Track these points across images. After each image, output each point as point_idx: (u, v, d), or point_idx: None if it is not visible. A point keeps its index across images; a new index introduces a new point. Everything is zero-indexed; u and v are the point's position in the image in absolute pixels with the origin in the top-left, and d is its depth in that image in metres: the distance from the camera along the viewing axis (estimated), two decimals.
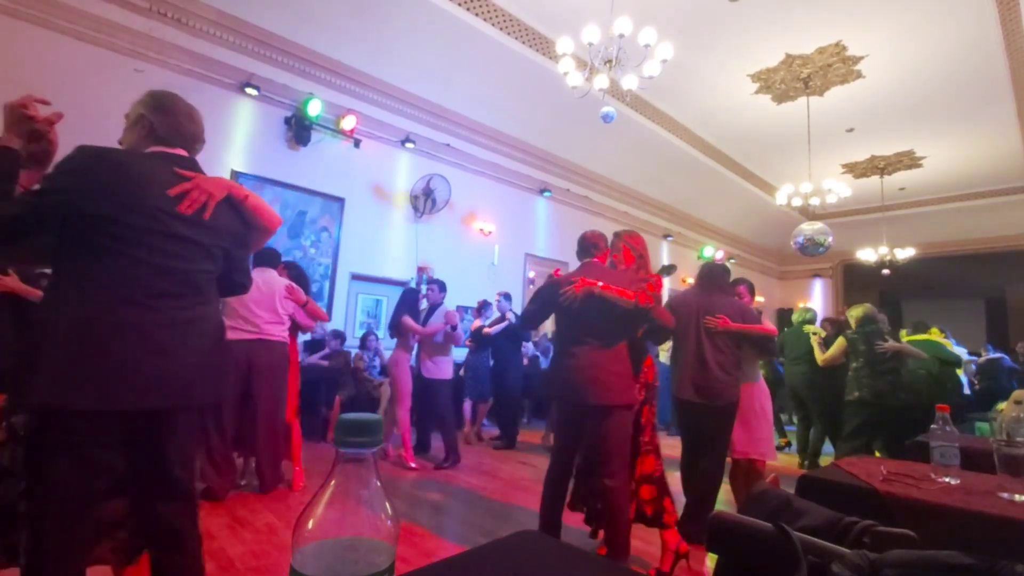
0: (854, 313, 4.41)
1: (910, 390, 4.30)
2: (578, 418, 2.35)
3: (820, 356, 4.72)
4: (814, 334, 5.06)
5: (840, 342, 4.41)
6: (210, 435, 3.10)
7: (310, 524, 0.41)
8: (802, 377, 5.24)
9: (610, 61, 4.16)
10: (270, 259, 3.51)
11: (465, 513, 3.26)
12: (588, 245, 2.60)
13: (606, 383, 2.28)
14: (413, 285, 6.34)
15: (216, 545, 2.48)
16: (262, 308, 3.32)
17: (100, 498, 1.34)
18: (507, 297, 5.64)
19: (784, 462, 5.27)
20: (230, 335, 3.14)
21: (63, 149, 1.27)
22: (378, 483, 0.44)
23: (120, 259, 1.27)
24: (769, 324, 3.26)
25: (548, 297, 2.46)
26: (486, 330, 5.51)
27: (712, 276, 3.06)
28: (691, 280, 2.89)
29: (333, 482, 0.43)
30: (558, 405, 2.41)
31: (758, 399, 3.14)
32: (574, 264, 2.70)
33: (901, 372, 4.23)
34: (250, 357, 3.23)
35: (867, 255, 9.71)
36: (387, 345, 6.34)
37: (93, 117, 4.50)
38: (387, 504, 0.44)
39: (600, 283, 2.30)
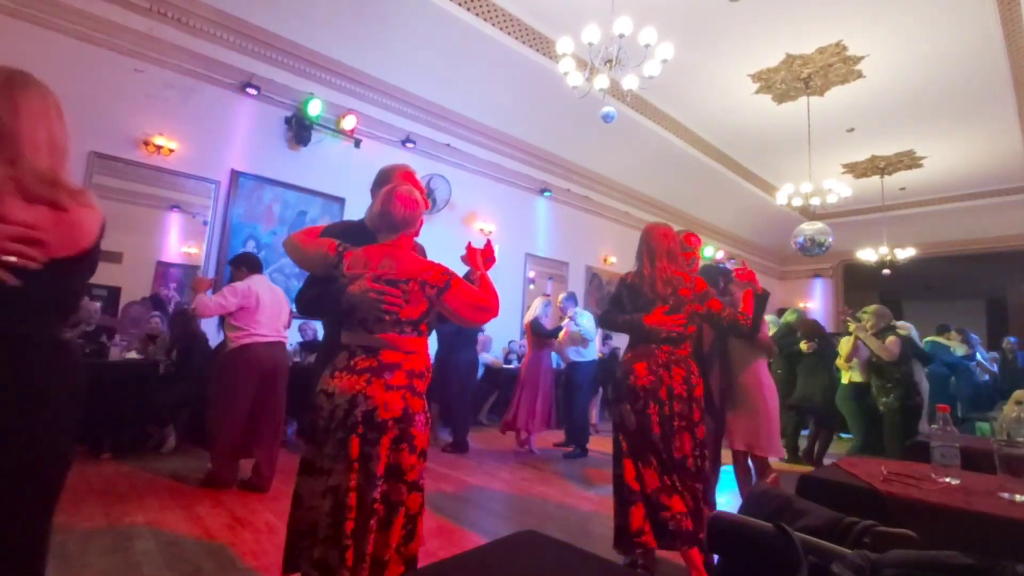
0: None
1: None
2: None
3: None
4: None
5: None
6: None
7: None
8: None
9: (610, 61, 4.15)
10: (258, 266, 3.61)
11: (466, 513, 3.26)
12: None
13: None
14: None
15: (216, 544, 2.49)
16: (276, 312, 3.51)
17: None
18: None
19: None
20: (255, 339, 3.32)
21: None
22: None
23: None
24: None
25: None
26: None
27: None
28: None
29: None
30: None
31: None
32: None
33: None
34: (274, 359, 3.41)
35: (867, 255, 9.70)
36: None
37: (93, 117, 4.51)
38: None
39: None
